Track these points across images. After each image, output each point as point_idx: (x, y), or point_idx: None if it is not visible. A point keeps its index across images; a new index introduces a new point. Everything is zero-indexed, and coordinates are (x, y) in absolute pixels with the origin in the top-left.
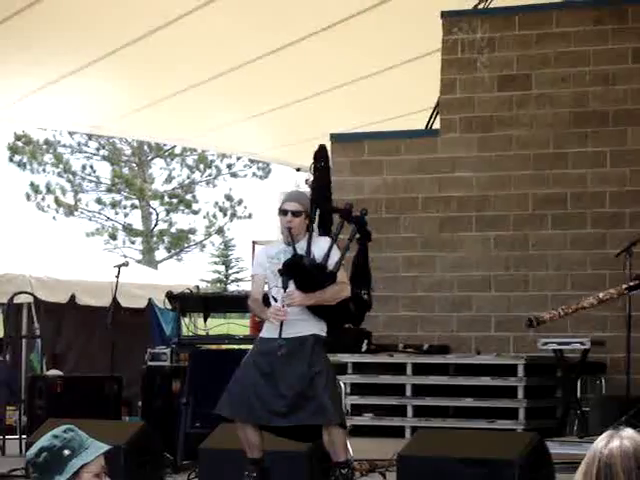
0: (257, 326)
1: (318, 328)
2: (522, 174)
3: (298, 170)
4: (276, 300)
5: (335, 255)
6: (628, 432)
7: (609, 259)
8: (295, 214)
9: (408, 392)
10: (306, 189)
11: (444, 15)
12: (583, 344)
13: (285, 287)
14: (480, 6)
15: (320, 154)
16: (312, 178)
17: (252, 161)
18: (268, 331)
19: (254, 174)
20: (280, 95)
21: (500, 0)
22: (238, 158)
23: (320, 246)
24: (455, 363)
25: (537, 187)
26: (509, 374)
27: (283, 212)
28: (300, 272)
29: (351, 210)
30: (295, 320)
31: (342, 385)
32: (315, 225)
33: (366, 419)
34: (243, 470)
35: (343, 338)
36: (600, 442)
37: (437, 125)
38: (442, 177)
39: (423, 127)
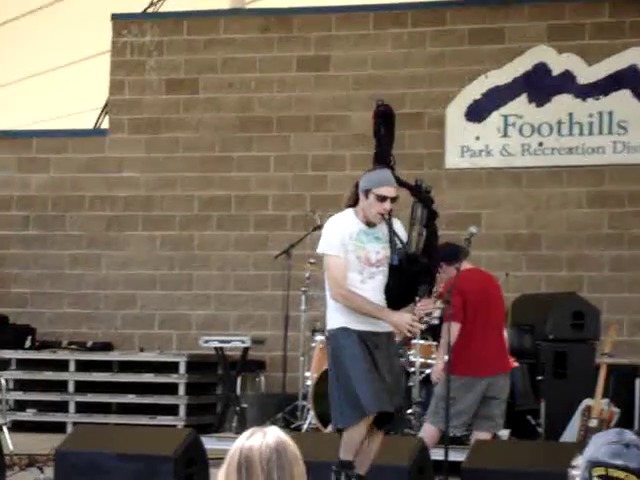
0: None
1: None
2: (188, 176)
3: None
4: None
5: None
6: (272, 429)
7: (271, 260)
8: (393, 200)
9: (71, 388)
10: None
11: (114, 17)
12: (243, 342)
13: (422, 295)
14: (150, 10)
15: (380, 117)
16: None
17: None
18: (363, 323)
19: None
20: None
21: (171, 5)
22: None
23: (400, 231)
24: (119, 360)
25: (203, 189)
26: (171, 371)
27: (382, 198)
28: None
29: (421, 186)
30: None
31: (3, 382)
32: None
33: (29, 415)
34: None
35: (5, 334)
36: (242, 437)
37: (106, 125)
38: (110, 177)
39: (92, 127)
